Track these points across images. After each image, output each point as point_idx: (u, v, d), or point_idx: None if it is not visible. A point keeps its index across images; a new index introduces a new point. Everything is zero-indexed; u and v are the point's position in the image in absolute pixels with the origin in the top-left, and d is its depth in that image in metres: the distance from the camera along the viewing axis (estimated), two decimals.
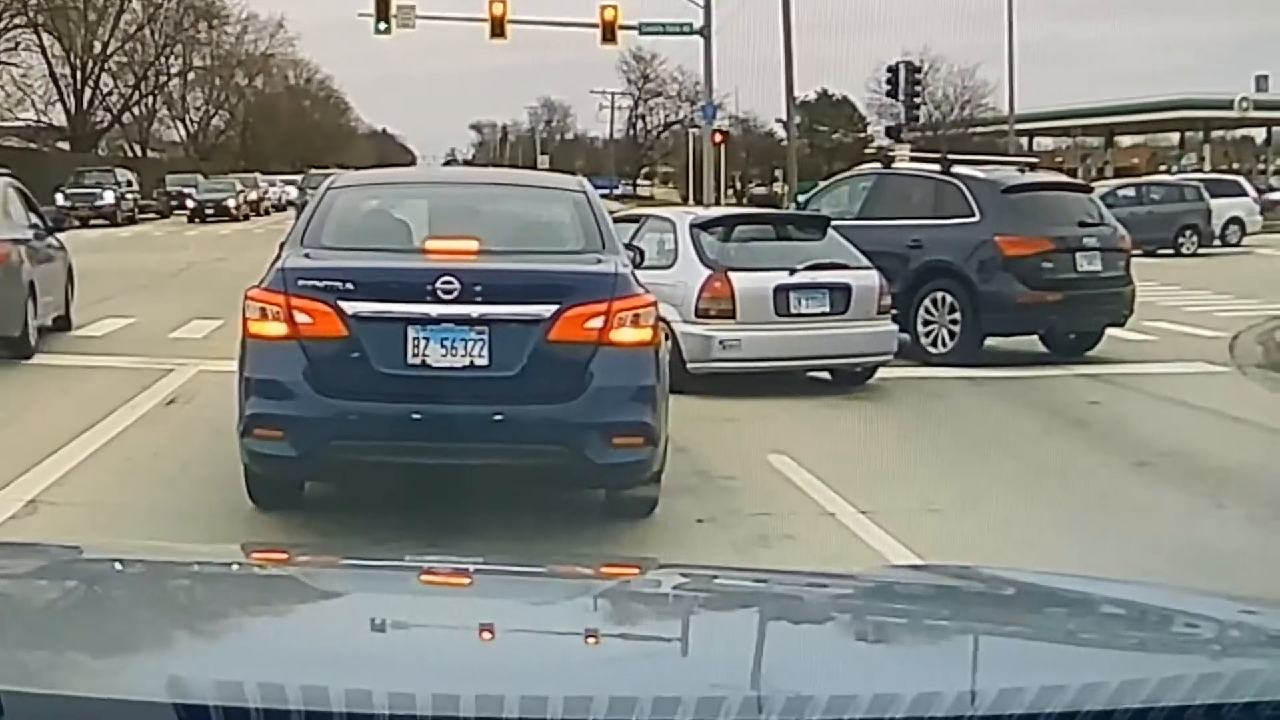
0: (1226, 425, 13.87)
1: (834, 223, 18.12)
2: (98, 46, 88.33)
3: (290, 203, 68.63)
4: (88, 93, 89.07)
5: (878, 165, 21.27)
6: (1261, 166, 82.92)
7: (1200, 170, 63.83)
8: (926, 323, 17.61)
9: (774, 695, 2.03)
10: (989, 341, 17.84)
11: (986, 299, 17.35)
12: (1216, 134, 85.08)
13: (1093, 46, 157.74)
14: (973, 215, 17.80)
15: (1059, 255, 17.55)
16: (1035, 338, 18.32)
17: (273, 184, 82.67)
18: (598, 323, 8.90)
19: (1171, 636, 2.69)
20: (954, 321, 17.55)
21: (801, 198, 21.44)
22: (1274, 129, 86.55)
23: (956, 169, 18.74)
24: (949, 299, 17.58)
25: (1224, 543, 9.26)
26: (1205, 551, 8.94)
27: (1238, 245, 44.25)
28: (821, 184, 22.76)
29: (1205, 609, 2.84)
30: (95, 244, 45.00)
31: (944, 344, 17.58)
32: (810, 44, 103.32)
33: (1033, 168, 20.96)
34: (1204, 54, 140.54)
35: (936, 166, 19.15)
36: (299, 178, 76.41)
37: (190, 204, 67.56)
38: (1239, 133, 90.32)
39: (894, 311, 16.27)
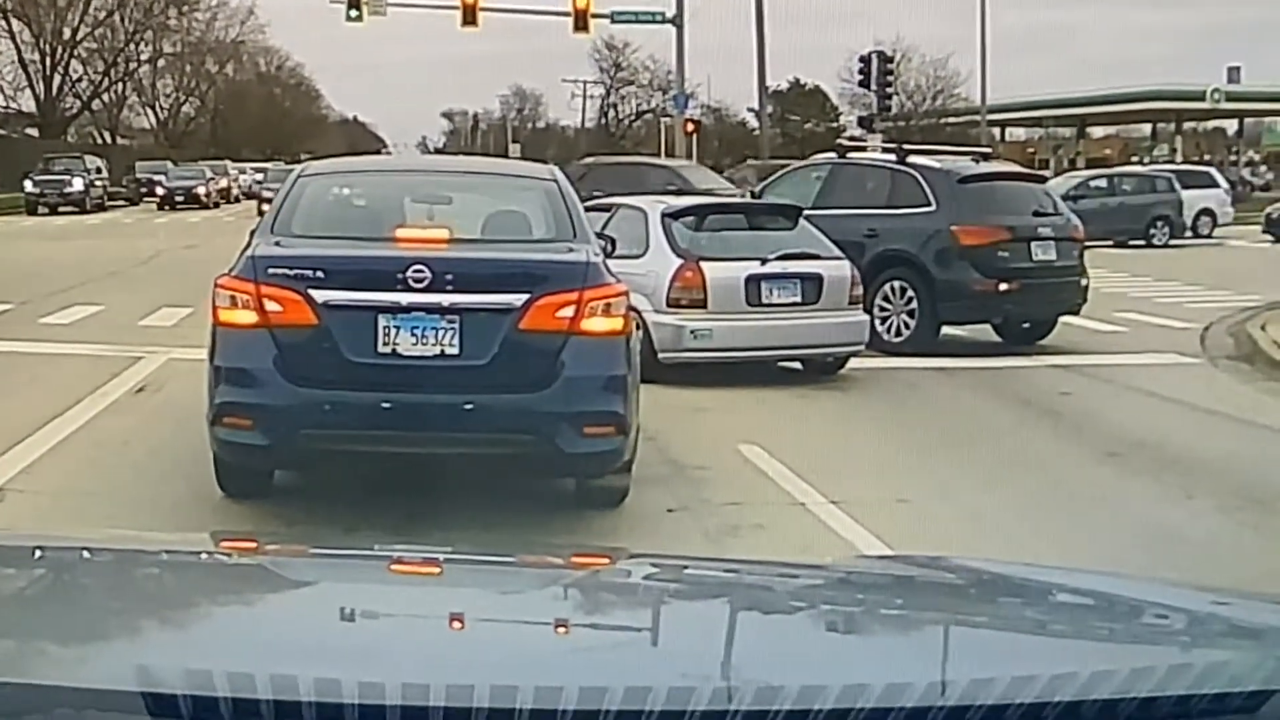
0: (1197, 416, 13.91)
1: None
2: (67, 33, 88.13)
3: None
4: (57, 79, 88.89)
5: (832, 155, 21.21)
6: (1233, 158, 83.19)
7: (1172, 161, 64.05)
8: (883, 311, 17.56)
9: (744, 685, 2.02)
10: (944, 330, 17.90)
11: (943, 288, 17.42)
12: (1188, 125, 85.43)
13: (1065, 36, 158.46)
14: (929, 205, 17.85)
15: (1015, 244, 17.65)
16: (987, 327, 18.42)
17: (243, 171, 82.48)
18: (569, 312, 8.89)
19: (1141, 627, 2.70)
20: (910, 310, 17.60)
21: (757, 187, 21.30)
22: (1246, 120, 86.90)
23: (912, 159, 18.79)
24: (905, 288, 17.63)
25: (1194, 533, 9.30)
26: (1175, 542, 8.98)
27: (1209, 236, 44.37)
28: (779, 174, 22.66)
29: (1175, 600, 2.84)
30: (64, 231, 44.99)
31: (900, 332, 17.61)
32: (782, 33, 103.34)
33: (986, 158, 21.00)
34: (1177, 45, 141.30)
35: (892, 156, 19.19)
36: (269, 165, 76.27)
37: (160, 191, 67.48)
38: (1211, 124, 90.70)
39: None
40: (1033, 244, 17.84)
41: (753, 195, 20.30)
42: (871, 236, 17.78)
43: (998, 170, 19.95)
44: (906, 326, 17.62)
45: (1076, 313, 18.67)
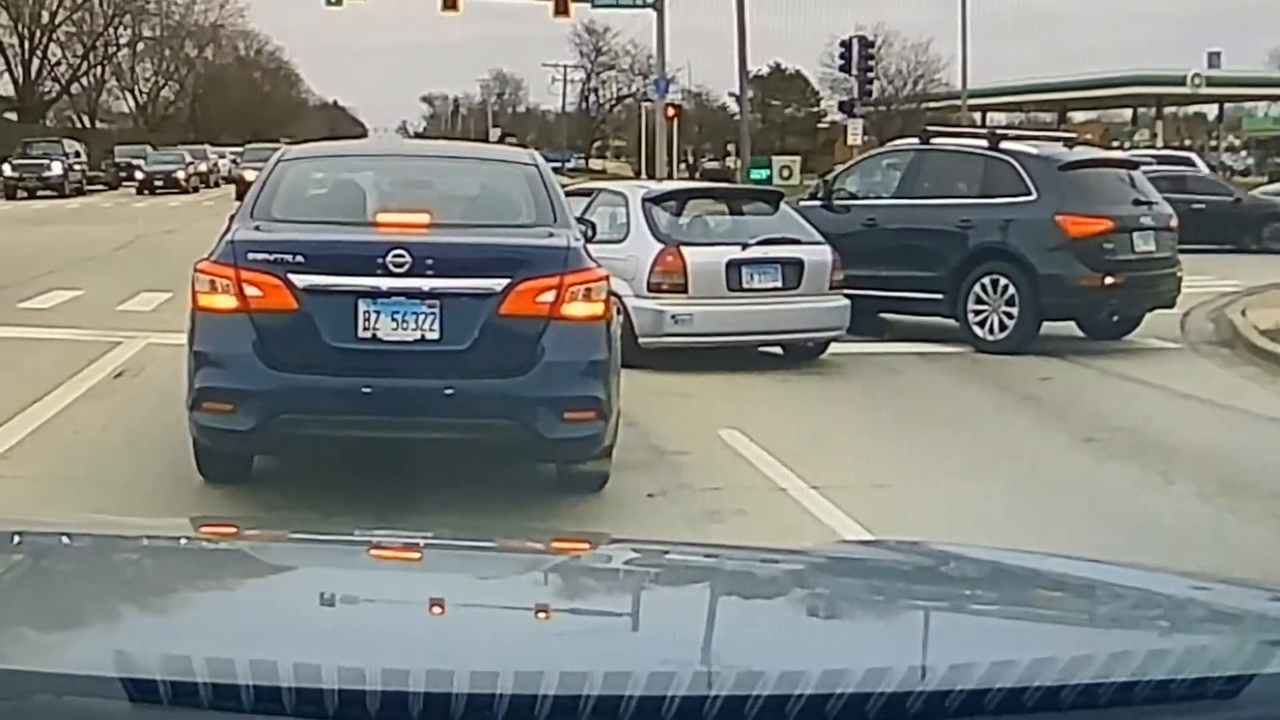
0: (1177, 402, 13.94)
1: (868, 202, 17.96)
2: (46, 16, 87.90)
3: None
4: (35, 63, 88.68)
5: (914, 140, 19.71)
6: (1214, 143, 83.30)
7: (1153, 146, 64.08)
8: (979, 308, 16.87)
9: (724, 670, 2.02)
10: (934, 319, 17.49)
11: (1046, 282, 16.53)
12: (1169, 110, 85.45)
13: (1047, 21, 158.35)
14: (1029, 194, 16.90)
15: (1118, 235, 16.85)
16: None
17: (222, 156, 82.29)
18: (549, 297, 8.88)
19: (1121, 612, 2.70)
20: (1009, 306, 16.76)
21: (828, 176, 20.33)
22: (1226, 105, 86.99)
23: (1006, 144, 17.92)
24: (1004, 282, 16.74)
25: (1173, 519, 9.31)
26: (1154, 527, 9.00)
27: None
28: (851, 161, 21.93)
29: (1154, 585, 2.85)
30: (42, 215, 44.87)
31: (997, 330, 16.81)
32: (763, 17, 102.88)
33: (1072, 143, 20.04)
34: (1158, 30, 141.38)
35: (983, 142, 18.42)
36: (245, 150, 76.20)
37: (139, 176, 67.25)
38: (1191, 109, 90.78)
39: (942, 295, 16.65)
40: (1134, 235, 17.09)
41: (823, 183, 19.72)
42: (966, 227, 17.08)
43: (1096, 156, 19.28)
44: (1004, 325, 16.79)
45: (1172, 306, 17.96)
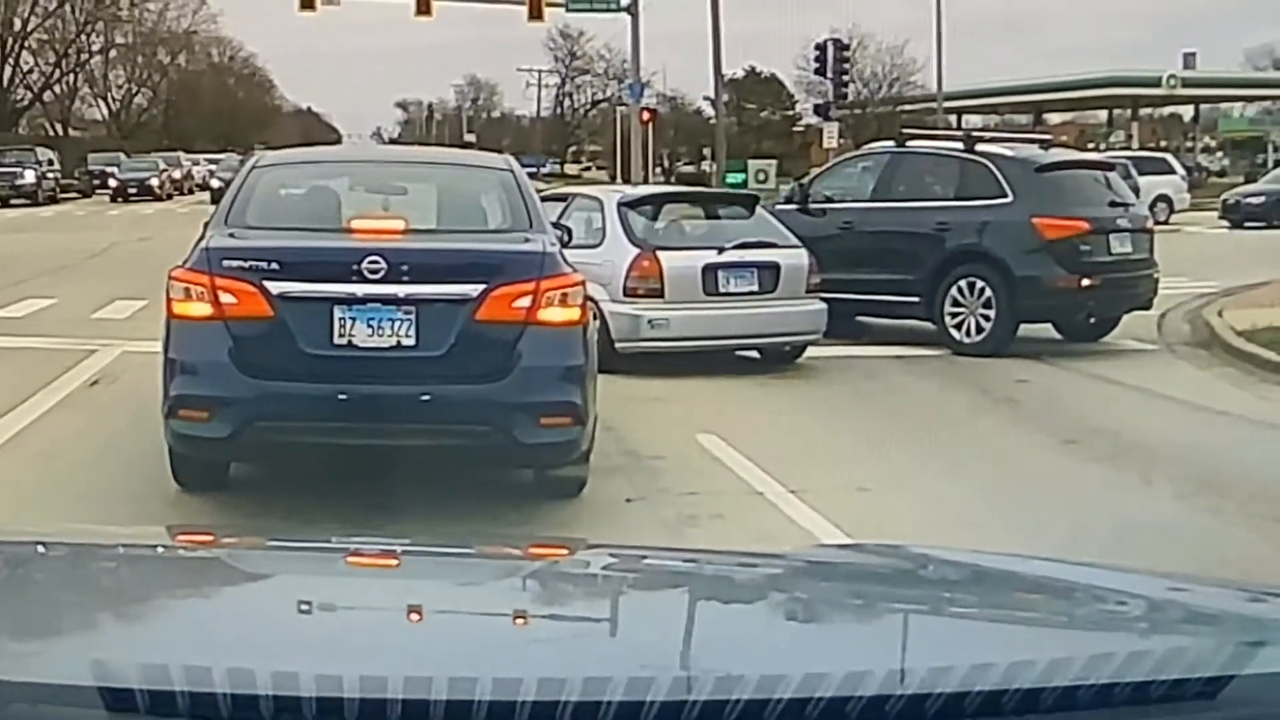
0: (1155, 403, 13.97)
1: (844, 205, 17.96)
2: (17, 24, 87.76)
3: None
4: (7, 70, 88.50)
5: (890, 143, 19.67)
6: (1189, 144, 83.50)
7: (1128, 148, 64.23)
8: (956, 310, 16.92)
9: (703, 675, 2.02)
10: (911, 322, 17.51)
11: (1023, 284, 16.57)
12: (1145, 111, 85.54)
13: (1022, 23, 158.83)
14: (1005, 196, 16.91)
15: (1094, 237, 16.85)
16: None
17: (196, 163, 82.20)
18: (525, 302, 8.88)
19: (1100, 614, 2.70)
20: (986, 308, 16.78)
21: (805, 179, 20.38)
22: (1201, 106, 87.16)
23: (981, 147, 17.96)
24: (981, 284, 16.78)
25: (1151, 520, 9.32)
26: (1133, 529, 8.99)
27: (1165, 223, 44.46)
28: (827, 164, 21.97)
29: (1133, 586, 2.85)
30: (16, 223, 44.83)
31: (974, 333, 16.84)
32: (738, 21, 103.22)
33: (1050, 145, 20.11)
34: (1133, 31, 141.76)
35: (959, 144, 18.47)
36: (222, 157, 76.07)
37: (113, 183, 67.28)
38: (1167, 110, 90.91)
39: (919, 298, 16.68)
40: (1111, 236, 17.08)
41: (799, 186, 19.75)
42: (942, 230, 17.12)
43: (1072, 158, 19.37)
44: (981, 327, 16.80)
45: (1149, 308, 18.03)
